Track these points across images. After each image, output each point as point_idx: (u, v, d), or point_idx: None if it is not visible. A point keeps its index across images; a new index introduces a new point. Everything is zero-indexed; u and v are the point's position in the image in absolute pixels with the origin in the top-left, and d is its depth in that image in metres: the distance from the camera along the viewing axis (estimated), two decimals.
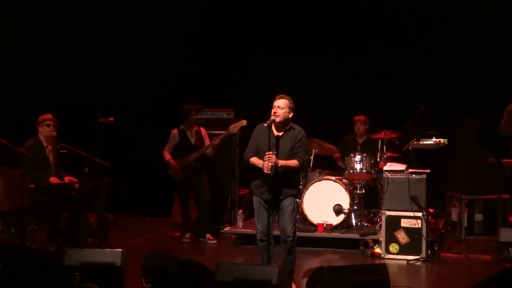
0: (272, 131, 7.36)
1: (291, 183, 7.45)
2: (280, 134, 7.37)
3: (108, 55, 12.67)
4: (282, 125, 7.35)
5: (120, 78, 12.66)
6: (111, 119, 9.12)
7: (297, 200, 7.65)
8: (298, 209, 7.61)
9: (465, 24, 11.45)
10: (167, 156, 10.18)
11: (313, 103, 11.15)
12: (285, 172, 7.30)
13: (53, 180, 8.96)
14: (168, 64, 12.62)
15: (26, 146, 9.04)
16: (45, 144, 9.18)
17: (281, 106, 7.31)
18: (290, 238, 7.38)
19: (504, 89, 11.14)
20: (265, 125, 7.28)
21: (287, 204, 7.37)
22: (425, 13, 11.65)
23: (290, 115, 7.35)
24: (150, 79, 12.63)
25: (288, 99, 7.35)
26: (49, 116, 9.18)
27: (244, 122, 9.61)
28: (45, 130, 9.14)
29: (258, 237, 7.45)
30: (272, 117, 7.30)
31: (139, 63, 12.67)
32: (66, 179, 9.21)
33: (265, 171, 7.17)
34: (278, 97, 7.39)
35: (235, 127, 9.71)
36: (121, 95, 12.50)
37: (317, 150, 10.32)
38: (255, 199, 7.43)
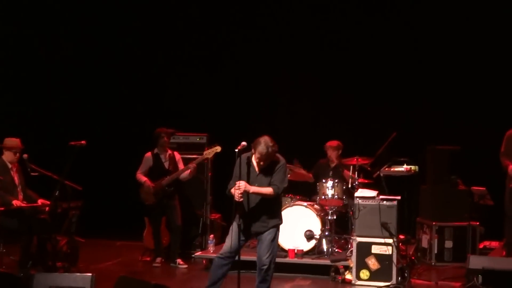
0: (253, 163, 7.36)
1: (273, 213, 7.42)
2: (262, 167, 7.36)
3: (81, 77, 12.68)
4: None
5: (93, 101, 12.65)
6: (83, 142, 9.06)
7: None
8: (278, 239, 7.54)
9: (435, 53, 11.61)
10: (142, 178, 10.13)
11: (286, 129, 11.21)
12: (262, 200, 7.31)
13: (16, 203, 8.86)
14: (141, 87, 12.64)
15: None
16: (9, 166, 9.13)
17: (264, 160, 7.23)
18: (265, 267, 7.36)
19: (474, 117, 11.30)
20: (236, 150, 7.27)
21: (267, 233, 7.37)
22: (396, 43, 11.78)
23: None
24: (123, 102, 12.62)
25: (269, 148, 7.17)
26: (17, 144, 9.12)
27: (218, 149, 9.61)
28: (11, 156, 9.10)
29: (219, 253, 7.44)
30: (256, 161, 7.28)
31: (112, 86, 12.67)
32: (39, 201, 9.13)
33: (236, 199, 7.19)
34: (259, 148, 7.17)
35: (209, 153, 9.71)
36: (93, 118, 12.48)
37: (289, 175, 10.33)
38: (235, 222, 7.38)
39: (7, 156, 9.13)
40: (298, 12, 12.18)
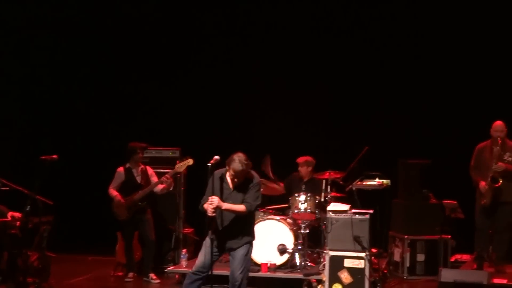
0: (227, 180, 7.36)
1: (246, 229, 7.43)
2: (236, 184, 7.37)
3: (53, 91, 12.60)
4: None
5: (64, 115, 12.59)
6: (54, 156, 9.02)
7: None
8: (251, 255, 7.55)
9: (405, 67, 11.72)
10: (114, 192, 10.08)
11: (258, 143, 11.22)
12: (236, 217, 7.31)
13: None
14: (113, 101, 12.59)
15: None
16: None
17: (238, 177, 7.25)
18: (237, 283, 7.36)
19: (445, 131, 11.41)
20: (208, 164, 7.27)
21: (240, 248, 7.38)
22: (366, 58, 11.87)
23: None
24: (95, 116, 12.57)
25: (243, 165, 7.19)
26: None
27: (190, 162, 9.61)
28: None
29: (192, 269, 7.42)
30: (230, 178, 7.30)
31: (83, 100, 12.62)
32: (9, 215, 9.05)
33: (208, 214, 7.19)
34: (233, 165, 7.19)
35: (181, 166, 9.70)
36: (65, 132, 12.42)
37: (262, 190, 10.32)
38: (208, 237, 7.38)
39: None
40: (270, 25, 12.24)
